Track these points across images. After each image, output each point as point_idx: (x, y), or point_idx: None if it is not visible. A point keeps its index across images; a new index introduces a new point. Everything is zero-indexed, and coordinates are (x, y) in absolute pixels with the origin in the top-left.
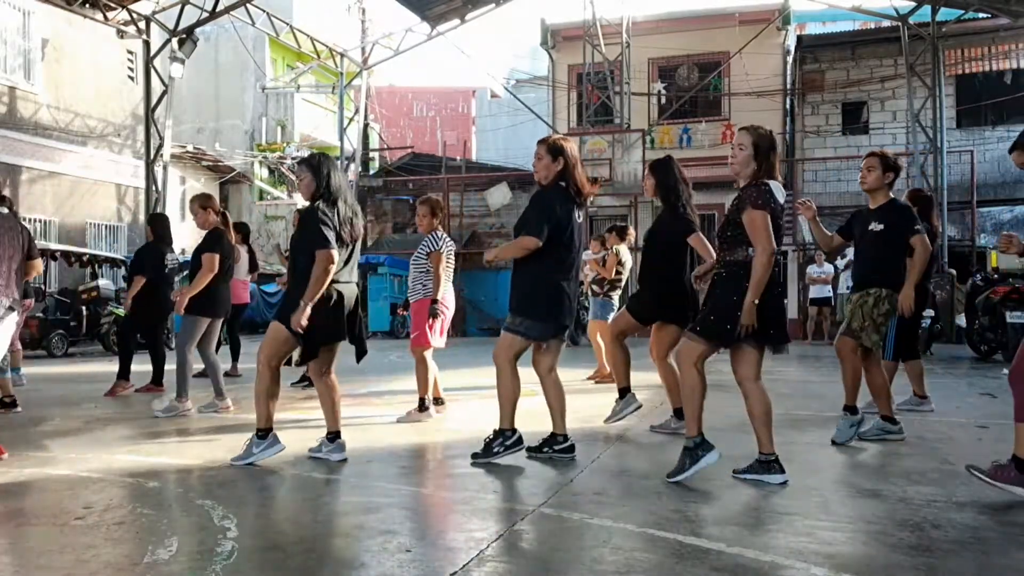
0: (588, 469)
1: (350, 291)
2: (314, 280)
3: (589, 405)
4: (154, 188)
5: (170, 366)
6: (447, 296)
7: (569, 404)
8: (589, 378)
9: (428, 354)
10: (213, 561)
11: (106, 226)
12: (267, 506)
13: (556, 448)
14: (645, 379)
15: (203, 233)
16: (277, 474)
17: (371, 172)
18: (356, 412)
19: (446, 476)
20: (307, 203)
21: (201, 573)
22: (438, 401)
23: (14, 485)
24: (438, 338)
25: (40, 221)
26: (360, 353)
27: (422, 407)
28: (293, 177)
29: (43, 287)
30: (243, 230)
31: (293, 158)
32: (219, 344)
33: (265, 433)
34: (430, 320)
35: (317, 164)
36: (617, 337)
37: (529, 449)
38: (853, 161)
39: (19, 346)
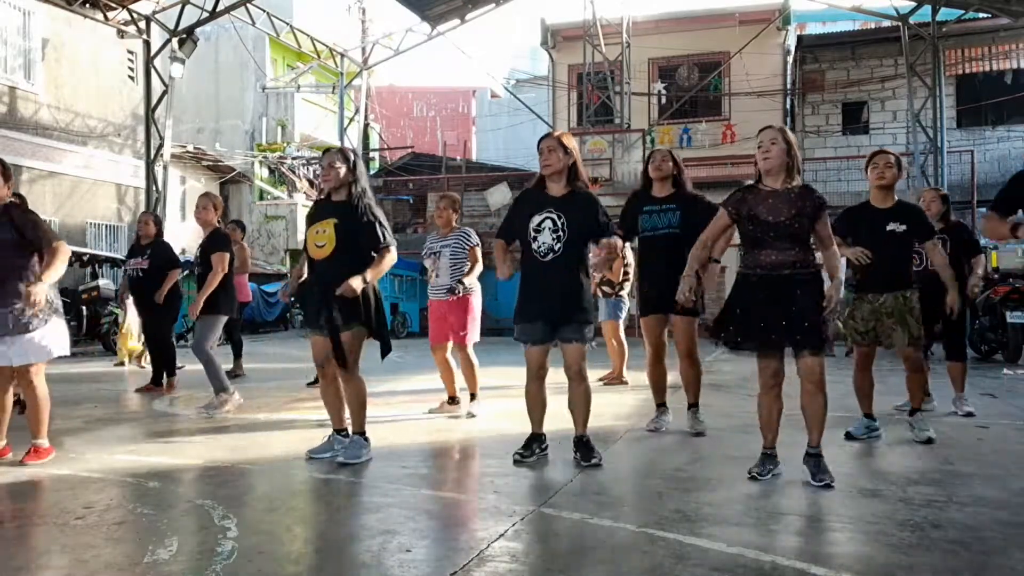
0: (588, 469)
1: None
2: (383, 268)
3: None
4: (154, 188)
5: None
6: (478, 288)
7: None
8: (600, 379)
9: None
10: (213, 561)
11: (106, 226)
12: (267, 506)
13: (543, 447)
14: (643, 378)
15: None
16: (277, 474)
17: (371, 172)
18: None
19: (447, 476)
20: (324, 193)
21: (201, 573)
22: (453, 400)
23: (14, 485)
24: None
25: None
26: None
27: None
28: (293, 177)
29: None
30: (239, 227)
31: (294, 158)
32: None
33: (366, 436)
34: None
35: (354, 162)
36: (662, 349)
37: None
38: (853, 161)
39: None
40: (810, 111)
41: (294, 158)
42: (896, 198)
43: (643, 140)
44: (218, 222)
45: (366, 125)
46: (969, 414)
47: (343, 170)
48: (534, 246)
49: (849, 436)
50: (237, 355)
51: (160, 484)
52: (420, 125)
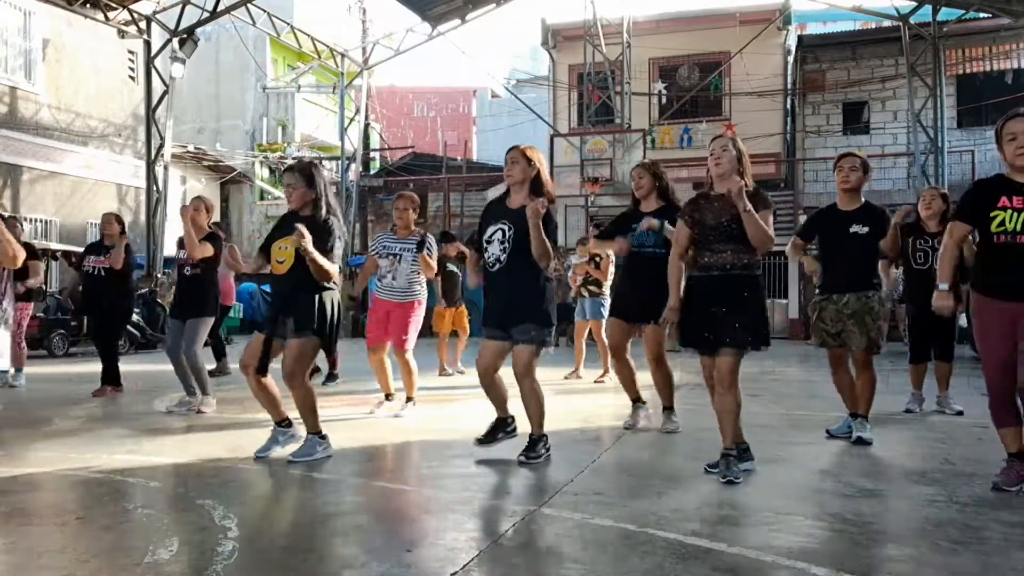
0: (588, 469)
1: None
2: (323, 263)
3: (589, 405)
4: (155, 188)
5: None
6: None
7: (570, 405)
8: (566, 377)
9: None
10: (213, 561)
11: None
12: (267, 506)
13: (507, 431)
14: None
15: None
16: (277, 474)
17: (372, 172)
18: (357, 411)
19: (446, 476)
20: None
21: (201, 573)
22: (389, 398)
23: (14, 485)
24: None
25: (41, 221)
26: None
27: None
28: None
29: (44, 287)
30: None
31: (294, 158)
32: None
33: (323, 435)
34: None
35: (311, 174)
36: (622, 350)
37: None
38: None
39: (24, 346)
40: (811, 111)
41: (294, 158)
42: (863, 200)
43: (643, 140)
44: (209, 226)
45: (366, 125)
46: (959, 412)
47: (301, 189)
48: (485, 256)
49: (829, 435)
50: (221, 355)
51: (160, 484)
52: (420, 125)
